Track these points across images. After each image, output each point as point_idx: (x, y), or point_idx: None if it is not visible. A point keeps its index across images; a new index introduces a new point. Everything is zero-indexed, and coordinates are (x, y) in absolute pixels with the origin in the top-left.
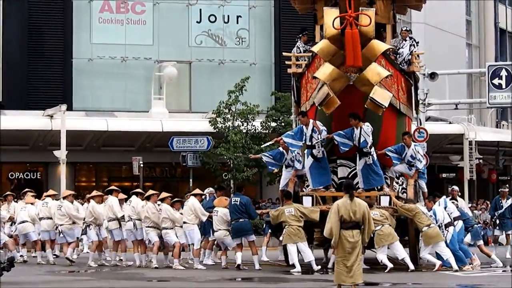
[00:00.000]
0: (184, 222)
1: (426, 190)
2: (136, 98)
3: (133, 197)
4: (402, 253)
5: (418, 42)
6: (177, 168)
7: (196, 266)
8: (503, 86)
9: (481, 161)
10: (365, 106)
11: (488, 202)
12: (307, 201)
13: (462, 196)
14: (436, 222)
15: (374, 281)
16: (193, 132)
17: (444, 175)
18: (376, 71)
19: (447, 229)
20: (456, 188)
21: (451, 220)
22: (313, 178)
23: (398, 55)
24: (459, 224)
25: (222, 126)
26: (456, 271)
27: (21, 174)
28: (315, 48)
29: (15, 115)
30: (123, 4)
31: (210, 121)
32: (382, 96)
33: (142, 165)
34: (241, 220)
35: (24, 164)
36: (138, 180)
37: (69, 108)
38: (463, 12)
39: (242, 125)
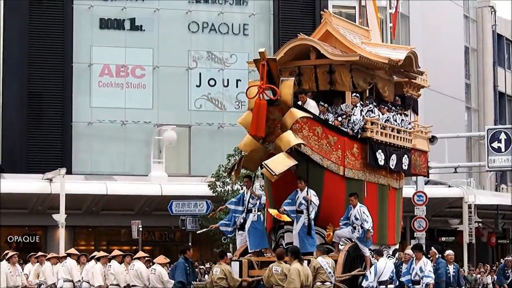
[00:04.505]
0: (133, 286)
1: (368, 254)
2: (135, 162)
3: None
4: None
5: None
6: (176, 232)
7: None
8: (503, 150)
9: (480, 224)
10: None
11: (488, 266)
12: (234, 266)
13: (462, 260)
14: (378, 274)
15: None
16: (192, 196)
17: (443, 238)
18: (287, 139)
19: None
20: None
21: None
22: (249, 241)
23: (352, 122)
24: None
25: (221, 190)
26: None
27: (19, 237)
28: (239, 119)
29: (14, 179)
30: (123, 68)
31: (209, 185)
32: (276, 164)
33: (141, 229)
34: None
35: (23, 228)
36: (137, 244)
37: (69, 172)
38: (462, 75)
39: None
